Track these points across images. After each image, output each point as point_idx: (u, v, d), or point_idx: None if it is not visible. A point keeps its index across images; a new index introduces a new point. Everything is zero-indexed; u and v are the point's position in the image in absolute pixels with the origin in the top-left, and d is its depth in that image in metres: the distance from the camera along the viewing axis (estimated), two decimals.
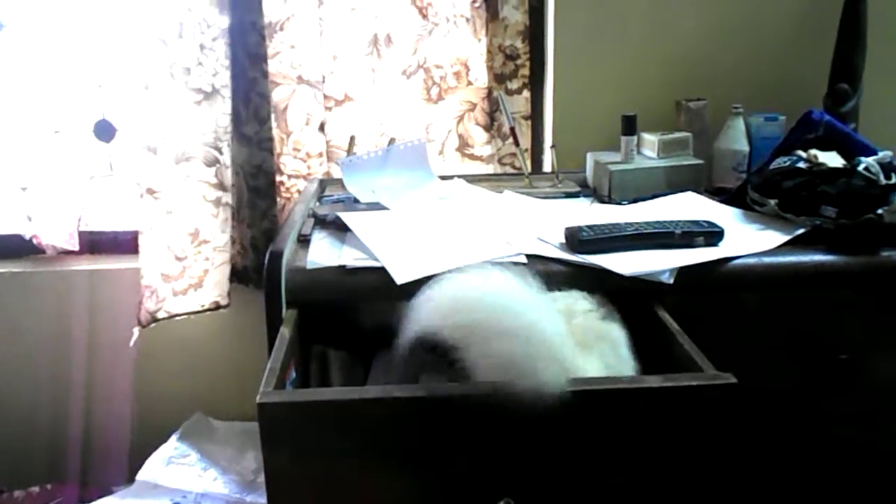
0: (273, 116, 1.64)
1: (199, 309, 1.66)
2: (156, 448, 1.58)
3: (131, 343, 1.61)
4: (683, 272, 1.10)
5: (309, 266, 1.12)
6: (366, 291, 1.11)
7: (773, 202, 1.23)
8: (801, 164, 1.25)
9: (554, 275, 1.12)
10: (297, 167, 1.67)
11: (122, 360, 1.70)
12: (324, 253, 1.18)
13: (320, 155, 1.68)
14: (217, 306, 1.68)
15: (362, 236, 1.20)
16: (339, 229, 1.29)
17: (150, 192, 1.57)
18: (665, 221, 1.19)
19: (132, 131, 1.57)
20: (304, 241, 1.24)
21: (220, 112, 1.59)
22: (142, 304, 1.60)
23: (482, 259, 1.11)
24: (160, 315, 1.63)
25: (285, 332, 1.03)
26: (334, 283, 1.11)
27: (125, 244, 1.75)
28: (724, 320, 1.13)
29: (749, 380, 0.90)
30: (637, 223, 1.19)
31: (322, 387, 1.17)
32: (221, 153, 1.61)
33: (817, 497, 1.21)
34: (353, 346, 1.23)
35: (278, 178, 1.67)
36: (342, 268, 1.12)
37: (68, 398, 1.70)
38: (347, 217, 1.28)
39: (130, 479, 1.51)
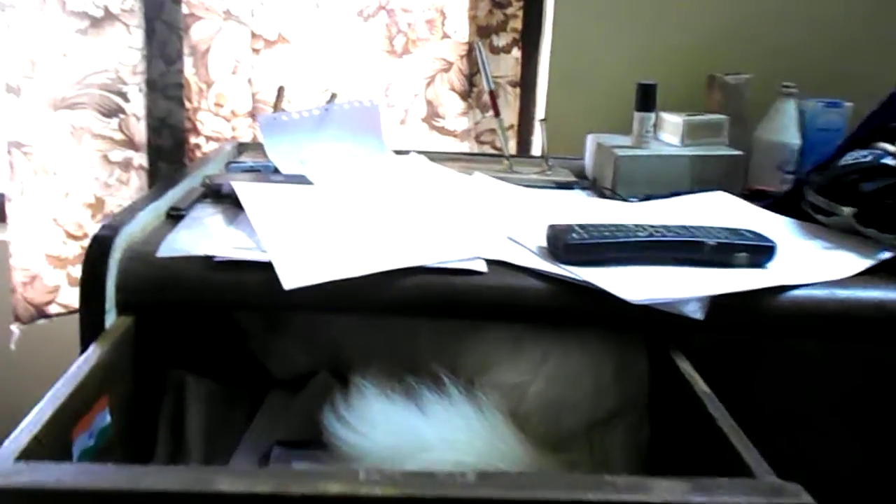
0: (192, 61, 1.27)
1: None
2: None
3: (11, 345, 1.24)
4: (717, 304, 0.74)
5: (160, 254, 0.75)
6: (239, 296, 0.74)
7: (847, 210, 0.86)
8: (889, 161, 0.88)
9: (525, 294, 0.75)
10: (219, 127, 1.31)
11: None
12: (194, 237, 0.80)
13: (250, 114, 1.31)
14: None
15: (254, 216, 0.83)
16: (237, 206, 0.92)
17: (17, 145, 1.20)
18: (691, 227, 0.82)
19: None
20: (176, 216, 0.87)
21: (123, 45, 1.22)
22: (17, 294, 1.24)
23: (418, 262, 0.75)
24: (52, 310, 1.27)
25: (98, 350, 0.66)
26: (193, 282, 0.74)
27: None
28: (771, 379, 0.77)
29: (803, 464, 0.57)
30: (650, 226, 0.82)
31: (178, 431, 0.81)
32: (127, 100, 1.25)
33: None
34: (235, 373, 0.87)
35: (193, 140, 1.31)
36: (209, 259, 0.75)
37: None
38: (242, 188, 0.91)
39: None
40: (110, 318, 0.72)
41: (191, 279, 0.74)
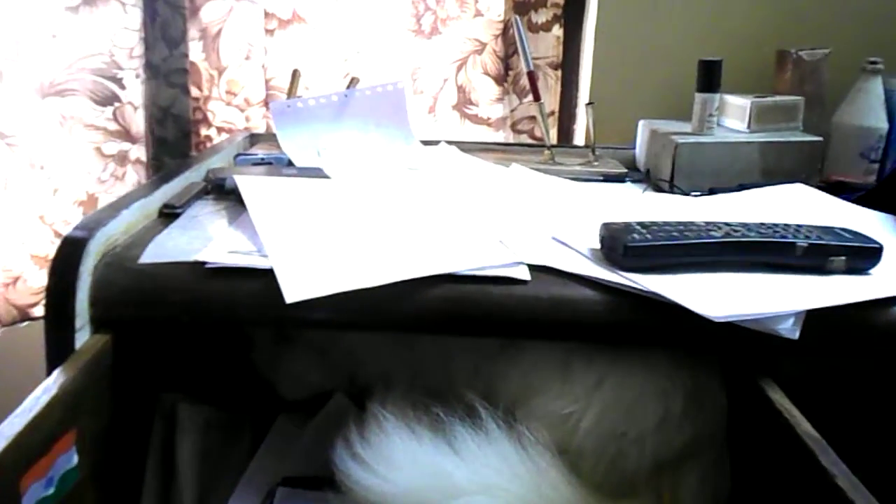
0: (201, 45, 1.16)
1: None
2: None
3: None
4: (811, 320, 0.60)
5: (144, 259, 0.64)
6: (233, 311, 0.62)
7: None
8: None
9: (576, 306, 0.62)
10: (232, 117, 1.20)
11: None
12: (187, 239, 0.69)
13: (264, 102, 1.20)
14: None
15: (257, 215, 0.72)
16: (241, 204, 0.81)
17: (1, 136, 1.10)
18: (776, 225, 0.69)
19: None
20: (170, 215, 0.76)
21: (118, 26, 1.12)
22: None
23: (448, 269, 0.62)
24: (37, 313, 1.17)
25: (64, 377, 0.55)
26: (179, 293, 0.62)
27: None
28: (880, 415, 0.63)
29: None
30: (725, 224, 0.69)
31: (169, 467, 0.70)
32: (123, 87, 1.14)
33: None
34: (236, 396, 0.76)
35: (204, 132, 1.20)
36: (200, 266, 0.63)
37: None
38: (245, 182, 0.79)
39: None
40: (84, 337, 0.61)
41: (177, 290, 0.62)
